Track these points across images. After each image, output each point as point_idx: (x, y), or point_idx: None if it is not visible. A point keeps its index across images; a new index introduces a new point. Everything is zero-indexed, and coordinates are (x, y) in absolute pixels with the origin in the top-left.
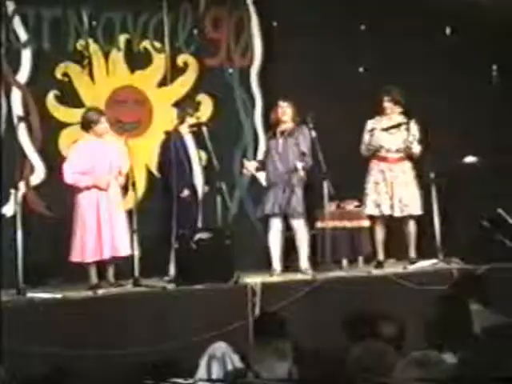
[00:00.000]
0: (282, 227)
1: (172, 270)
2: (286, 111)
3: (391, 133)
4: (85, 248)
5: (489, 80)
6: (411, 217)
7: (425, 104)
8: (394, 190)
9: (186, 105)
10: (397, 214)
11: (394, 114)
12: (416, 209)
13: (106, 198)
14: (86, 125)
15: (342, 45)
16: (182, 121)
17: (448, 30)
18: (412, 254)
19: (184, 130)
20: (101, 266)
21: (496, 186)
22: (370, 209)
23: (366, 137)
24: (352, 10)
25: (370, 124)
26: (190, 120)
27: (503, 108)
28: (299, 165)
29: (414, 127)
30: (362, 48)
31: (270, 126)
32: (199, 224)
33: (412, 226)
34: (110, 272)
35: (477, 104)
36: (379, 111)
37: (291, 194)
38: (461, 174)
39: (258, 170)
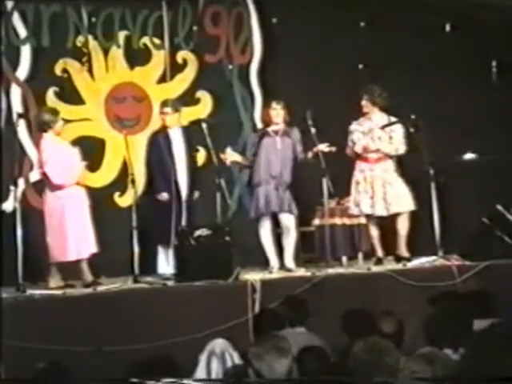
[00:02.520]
0: (272, 225)
1: (161, 267)
2: (279, 113)
3: (367, 131)
4: (80, 244)
5: (488, 76)
6: (399, 214)
7: (424, 100)
8: (374, 189)
9: (168, 102)
10: (380, 212)
11: (372, 113)
12: (403, 206)
13: (77, 197)
14: (44, 125)
15: (341, 41)
16: (164, 119)
17: (448, 27)
18: (403, 252)
19: (170, 127)
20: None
21: (496, 183)
22: (352, 208)
23: (349, 138)
24: (352, 7)
25: (352, 125)
26: (173, 117)
27: (503, 104)
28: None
29: (399, 128)
30: (362, 45)
31: (259, 127)
32: (183, 223)
33: (402, 224)
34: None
35: (476, 101)
36: (361, 111)
37: (285, 193)
38: (460, 171)
39: (242, 165)
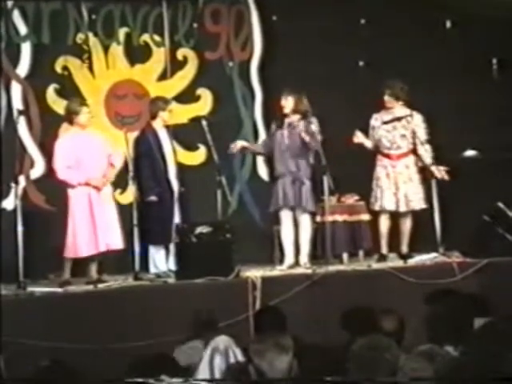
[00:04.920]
0: (293, 219)
1: (158, 265)
2: (288, 104)
3: (391, 128)
4: (78, 243)
5: (489, 73)
6: (412, 212)
7: (425, 98)
8: (398, 185)
9: (157, 99)
10: (402, 209)
11: (395, 108)
12: (419, 203)
13: (97, 193)
14: (69, 116)
15: (342, 39)
16: (154, 116)
17: (448, 24)
18: (405, 248)
19: (158, 125)
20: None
21: (496, 180)
22: (372, 204)
23: (371, 133)
24: (352, 4)
25: (372, 120)
26: (164, 114)
27: (503, 102)
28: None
29: (419, 120)
30: (363, 42)
31: (277, 118)
32: (176, 220)
33: (409, 221)
34: (93, 268)
35: (477, 98)
36: (381, 106)
37: (301, 186)
38: (461, 168)
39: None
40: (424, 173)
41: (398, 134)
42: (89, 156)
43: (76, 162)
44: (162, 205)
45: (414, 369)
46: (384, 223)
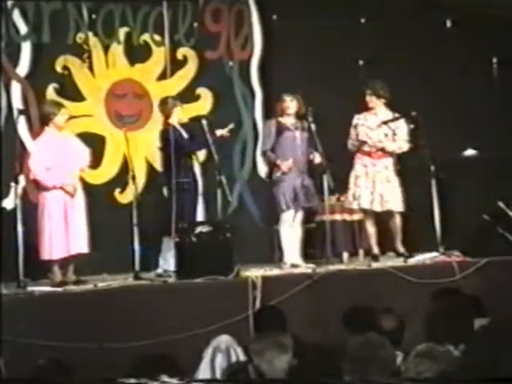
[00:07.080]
0: (300, 219)
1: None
2: (290, 105)
3: (375, 127)
4: (52, 246)
5: (489, 73)
6: (393, 212)
7: (425, 96)
8: (375, 184)
9: (168, 99)
10: (376, 208)
11: (377, 107)
12: (396, 205)
13: (71, 199)
14: (46, 118)
15: (342, 38)
16: (168, 115)
17: (449, 23)
18: (400, 247)
19: (174, 122)
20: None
21: (496, 180)
22: (349, 202)
23: (352, 132)
24: (352, 3)
25: (355, 119)
26: (177, 111)
27: (503, 101)
28: (317, 158)
29: (403, 125)
30: (362, 41)
31: (273, 117)
32: (200, 216)
33: (396, 221)
34: (71, 269)
35: (477, 97)
36: (364, 106)
37: (308, 188)
38: (461, 168)
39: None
40: (403, 175)
41: (382, 132)
42: (65, 160)
43: (53, 164)
44: (188, 200)
45: (420, 372)
46: (370, 223)
